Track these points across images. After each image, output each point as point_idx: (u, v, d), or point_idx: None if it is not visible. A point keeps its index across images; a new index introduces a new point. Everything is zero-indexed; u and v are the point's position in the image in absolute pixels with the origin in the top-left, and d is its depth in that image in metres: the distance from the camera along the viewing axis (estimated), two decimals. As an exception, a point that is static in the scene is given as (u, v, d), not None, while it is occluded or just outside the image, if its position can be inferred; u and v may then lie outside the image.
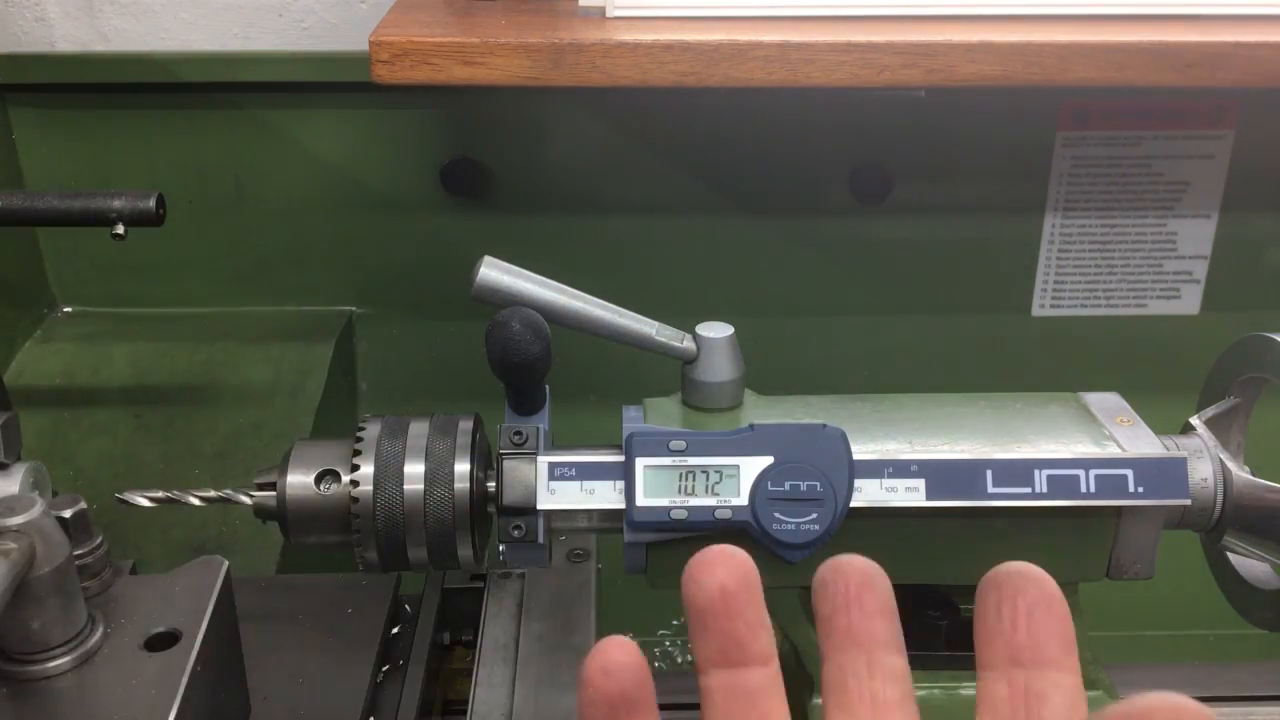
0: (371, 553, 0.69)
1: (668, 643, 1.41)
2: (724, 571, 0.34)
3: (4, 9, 1.15)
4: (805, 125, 1.21)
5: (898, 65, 0.96)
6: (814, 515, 0.64)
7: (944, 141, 1.22)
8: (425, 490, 0.67)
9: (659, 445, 0.66)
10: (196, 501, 0.72)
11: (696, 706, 0.35)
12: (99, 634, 0.58)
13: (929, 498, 0.65)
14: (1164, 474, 0.66)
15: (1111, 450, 0.67)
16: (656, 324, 0.72)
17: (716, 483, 0.66)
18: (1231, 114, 1.21)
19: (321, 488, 0.69)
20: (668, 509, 0.65)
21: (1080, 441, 0.68)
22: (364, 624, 0.78)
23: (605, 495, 0.67)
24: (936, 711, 0.75)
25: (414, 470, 0.68)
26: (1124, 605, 1.24)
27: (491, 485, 0.69)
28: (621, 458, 0.67)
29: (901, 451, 0.67)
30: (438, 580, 0.86)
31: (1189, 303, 1.30)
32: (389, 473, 0.68)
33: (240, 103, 1.19)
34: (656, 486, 0.66)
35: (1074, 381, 0.78)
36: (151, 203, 0.90)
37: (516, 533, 0.68)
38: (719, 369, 0.71)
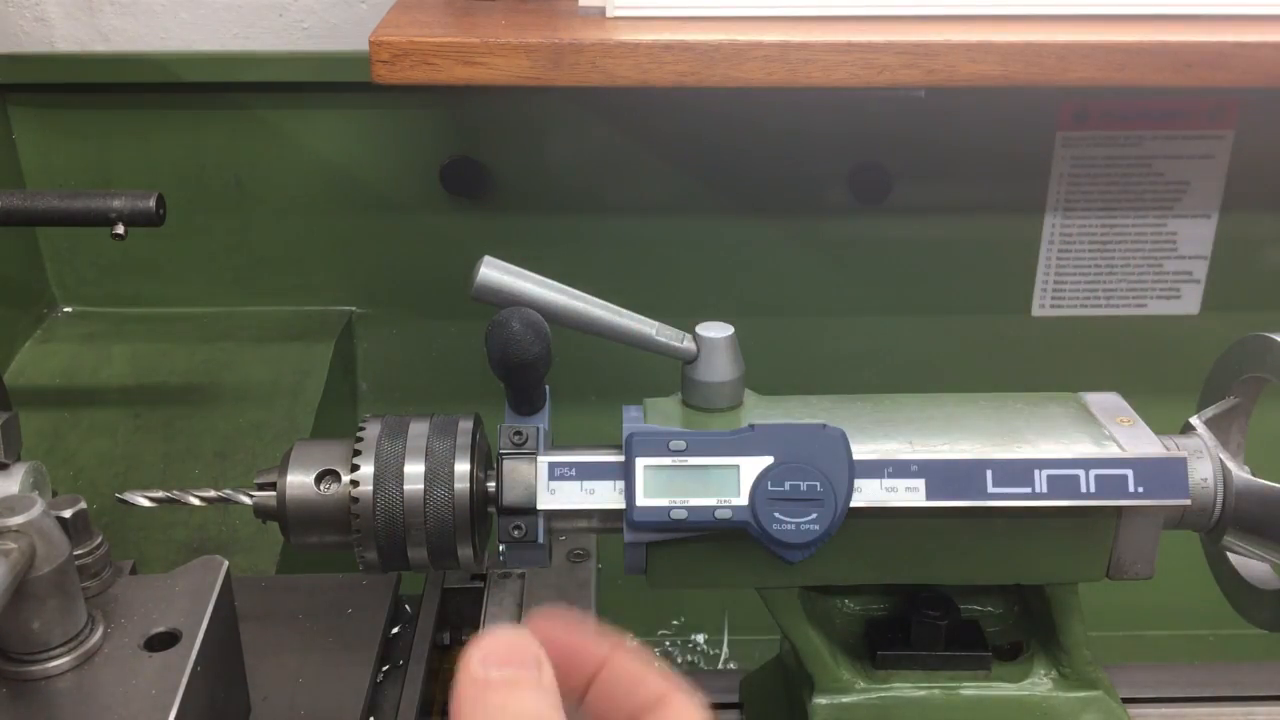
0: (371, 553, 0.69)
1: (668, 643, 1.41)
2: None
3: (4, 9, 1.15)
4: (805, 125, 1.21)
5: (898, 65, 0.96)
6: (814, 515, 0.64)
7: (944, 141, 1.22)
8: (425, 490, 0.67)
9: (659, 445, 0.66)
10: (196, 501, 0.72)
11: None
12: (99, 634, 0.58)
13: (929, 498, 0.65)
14: (1164, 474, 0.66)
15: (1111, 450, 0.67)
16: (656, 324, 0.72)
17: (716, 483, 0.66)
18: (1231, 114, 1.21)
19: (321, 488, 0.69)
20: (668, 509, 0.65)
21: (1080, 441, 0.68)
22: (364, 624, 0.78)
23: (605, 495, 0.67)
24: (936, 711, 0.75)
25: (414, 470, 0.68)
26: (1124, 605, 1.24)
27: (491, 485, 0.69)
28: (621, 458, 0.67)
29: (901, 451, 0.67)
30: (438, 580, 0.86)
31: (1189, 303, 1.30)
32: (389, 473, 0.68)
33: (240, 103, 1.19)
34: (656, 486, 0.66)
35: (1074, 381, 0.78)
36: (151, 203, 0.90)
37: (516, 533, 0.68)
38: (719, 369, 0.71)
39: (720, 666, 1.41)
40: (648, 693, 0.40)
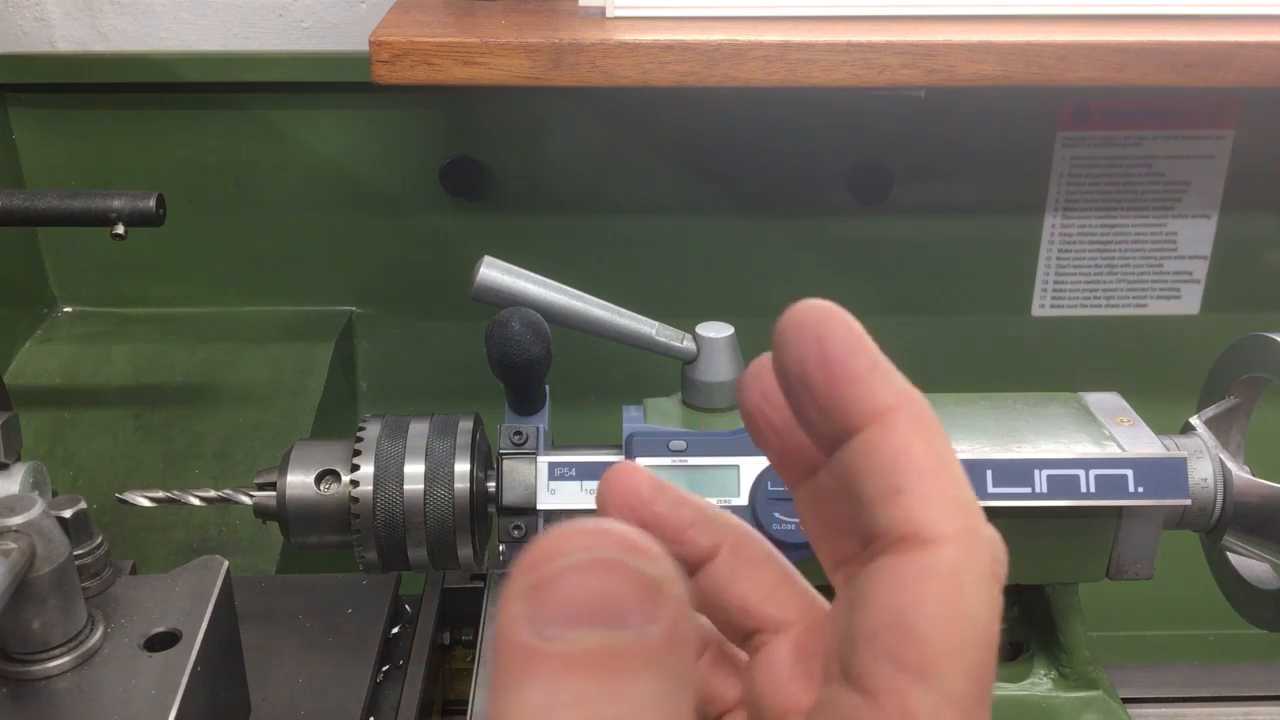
0: (371, 553, 0.69)
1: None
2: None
3: (4, 9, 1.15)
4: (805, 125, 1.21)
5: (898, 65, 0.96)
6: (814, 515, 0.64)
7: (944, 141, 1.22)
8: (425, 490, 0.68)
9: (659, 445, 0.66)
10: (196, 501, 0.72)
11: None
12: (99, 634, 0.58)
13: (929, 498, 0.65)
14: (1164, 474, 0.66)
15: (1111, 450, 0.67)
16: (656, 324, 0.72)
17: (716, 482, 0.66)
18: (1231, 114, 1.21)
19: (321, 488, 0.69)
20: (668, 509, 0.65)
21: (1080, 441, 0.68)
22: (364, 624, 0.78)
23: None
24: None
25: (414, 470, 0.68)
26: (1124, 605, 1.24)
27: (491, 485, 0.69)
28: (622, 458, 0.67)
29: (901, 451, 0.67)
30: (438, 580, 0.86)
31: (1189, 303, 1.30)
32: (389, 473, 0.68)
33: (240, 103, 1.19)
34: (656, 486, 0.66)
35: (1074, 381, 0.78)
36: (151, 203, 0.90)
37: (516, 533, 0.68)
38: (719, 369, 0.71)
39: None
40: (891, 520, 0.24)
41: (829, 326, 0.26)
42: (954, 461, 0.25)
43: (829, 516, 0.27)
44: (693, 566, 0.30)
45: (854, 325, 0.26)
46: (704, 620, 0.31)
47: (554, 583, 0.20)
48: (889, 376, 0.26)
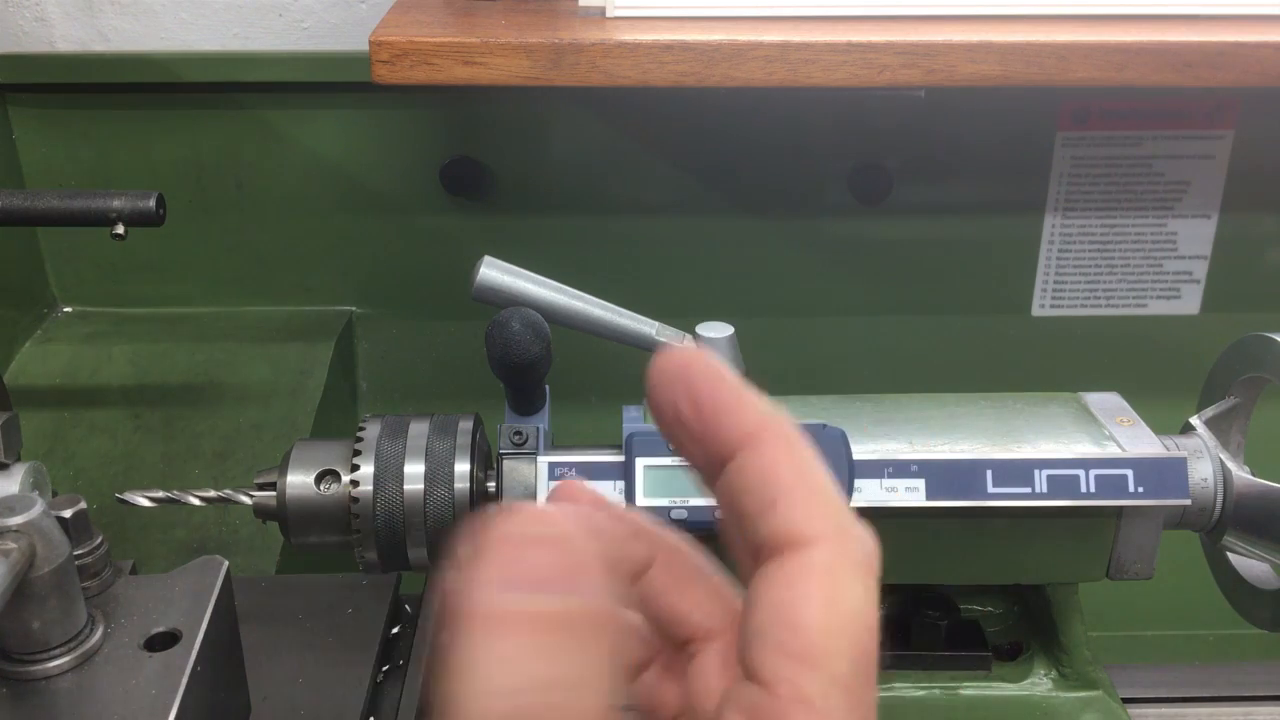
0: (371, 553, 0.69)
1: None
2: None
3: (4, 9, 1.15)
4: (805, 125, 1.21)
5: (898, 65, 0.96)
6: (814, 515, 0.64)
7: (944, 141, 1.22)
8: (425, 490, 0.68)
9: (659, 445, 0.66)
10: (196, 501, 0.72)
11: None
12: (99, 634, 0.58)
13: (929, 498, 0.66)
14: (1164, 474, 0.66)
15: (1111, 450, 0.67)
16: (657, 324, 0.72)
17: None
18: (1231, 114, 1.21)
19: (321, 488, 0.69)
20: (668, 509, 0.65)
21: (1080, 441, 0.68)
22: (364, 624, 0.78)
23: (605, 495, 0.67)
24: (937, 711, 0.75)
25: (414, 470, 0.68)
26: (1124, 605, 1.24)
27: (491, 485, 0.69)
28: (621, 458, 0.67)
29: (901, 451, 0.67)
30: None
31: (1189, 303, 1.30)
32: (389, 473, 0.68)
33: (240, 103, 1.19)
34: (656, 486, 0.66)
35: (1074, 381, 0.78)
36: (151, 203, 0.90)
37: (516, 533, 0.68)
38: (719, 369, 0.71)
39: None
40: (771, 529, 0.28)
41: (693, 370, 0.29)
42: (820, 472, 0.29)
43: (730, 538, 0.30)
44: (631, 578, 0.33)
45: (715, 364, 0.30)
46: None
47: (516, 552, 0.24)
48: (753, 404, 0.29)
